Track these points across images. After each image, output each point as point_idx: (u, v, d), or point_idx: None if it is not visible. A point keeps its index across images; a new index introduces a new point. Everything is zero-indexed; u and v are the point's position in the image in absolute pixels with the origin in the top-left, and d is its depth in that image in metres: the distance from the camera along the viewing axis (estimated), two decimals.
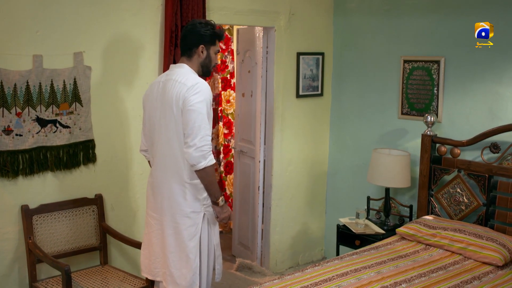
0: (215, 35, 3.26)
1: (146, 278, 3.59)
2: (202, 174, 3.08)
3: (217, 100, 5.98)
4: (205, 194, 3.18)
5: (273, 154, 4.99)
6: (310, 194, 5.33)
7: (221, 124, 6.10)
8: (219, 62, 3.33)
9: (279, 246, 5.15)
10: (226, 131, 6.13)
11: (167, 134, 3.16)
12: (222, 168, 6.15)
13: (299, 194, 5.24)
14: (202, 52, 3.23)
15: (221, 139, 6.12)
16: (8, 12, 3.42)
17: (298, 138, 5.14)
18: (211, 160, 3.06)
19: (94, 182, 3.93)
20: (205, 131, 3.05)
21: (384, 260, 3.58)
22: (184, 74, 3.18)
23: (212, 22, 3.29)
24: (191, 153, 3.03)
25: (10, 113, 3.47)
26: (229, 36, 6.01)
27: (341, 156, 5.30)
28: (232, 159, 6.14)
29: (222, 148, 6.13)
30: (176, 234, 3.21)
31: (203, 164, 3.03)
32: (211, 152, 3.08)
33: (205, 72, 3.30)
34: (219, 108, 6.06)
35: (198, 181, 3.14)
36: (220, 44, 5.95)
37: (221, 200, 3.19)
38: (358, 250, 3.82)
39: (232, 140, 6.13)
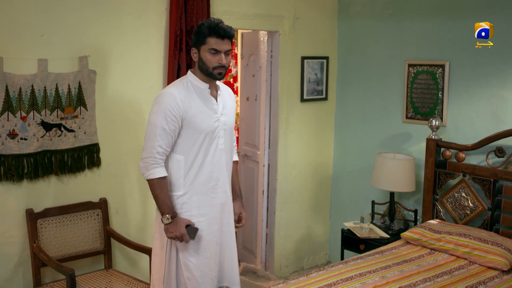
0: (201, 33, 2.98)
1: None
2: (148, 185, 3.03)
3: None
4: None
5: (277, 158, 4.99)
6: (315, 198, 5.32)
7: None
8: (222, 62, 2.98)
9: (283, 250, 5.14)
10: None
11: None
12: None
13: (304, 198, 5.23)
14: (194, 55, 3.06)
15: None
16: (13, 17, 3.43)
17: (303, 142, 5.14)
18: (153, 173, 2.96)
19: (98, 186, 3.93)
20: (152, 142, 2.95)
21: (389, 264, 3.57)
22: (173, 83, 3.17)
23: (211, 18, 3.01)
24: (139, 163, 3.05)
25: (15, 117, 3.47)
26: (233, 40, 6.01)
27: (345, 160, 5.29)
28: None
29: None
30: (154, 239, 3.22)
31: (145, 176, 3.00)
32: (158, 165, 2.97)
33: (208, 76, 3.04)
34: None
35: None
36: None
37: (165, 218, 2.98)
38: (362, 255, 3.81)
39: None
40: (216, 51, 2.98)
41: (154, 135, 2.95)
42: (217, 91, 3.15)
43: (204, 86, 3.08)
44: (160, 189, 2.98)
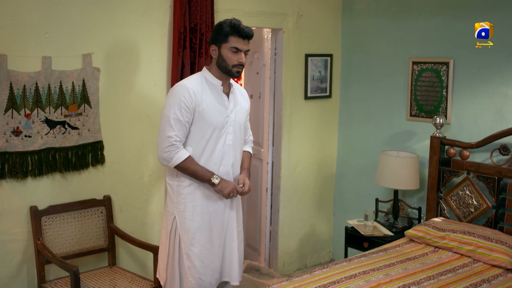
0: (222, 31, 3.11)
1: (155, 279, 3.60)
2: (179, 169, 3.15)
3: None
4: (178, 198, 3.19)
5: (281, 156, 4.99)
6: (318, 196, 5.32)
7: None
8: (241, 61, 3.12)
9: (287, 248, 5.14)
10: None
11: None
12: None
13: (307, 196, 5.23)
14: (214, 52, 3.17)
15: None
16: (17, 14, 3.43)
17: (306, 140, 5.13)
18: (178, 158, 3.08)
19: (102, 184, 3.94)
20: (168, 133, 3.07)
21: (392, 262, 3.57)
22: (188, 77, 3.30)
23: (232, 19, 3.13)
24: (157, 154, 3.17)
25: (19, 114, 3.48)
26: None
27: (349, 158, 5.29)
28: None
29: None
30: (162, 228, 3.36)
31: (171, 163, 3.11)
32: (178, 149, 3.09)
33: (226, 73, 3.16)
34: None
35: (172, 182, 3.21)
36: None
37: (214, 178, 3.13)
38: (366, 252, 3.81)
39: None
40: (237, 50, 3.13)
41: (170, 125, 3.07)
42: (229, 89, 3.27)
43: (218, 82, 3.20)
44: (193, 165, 3.12)
